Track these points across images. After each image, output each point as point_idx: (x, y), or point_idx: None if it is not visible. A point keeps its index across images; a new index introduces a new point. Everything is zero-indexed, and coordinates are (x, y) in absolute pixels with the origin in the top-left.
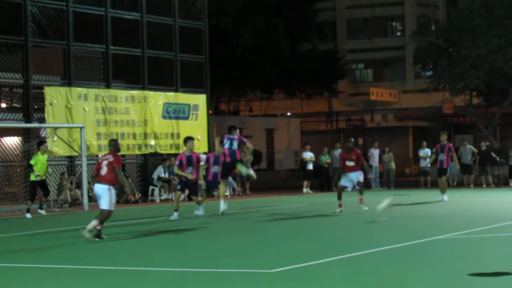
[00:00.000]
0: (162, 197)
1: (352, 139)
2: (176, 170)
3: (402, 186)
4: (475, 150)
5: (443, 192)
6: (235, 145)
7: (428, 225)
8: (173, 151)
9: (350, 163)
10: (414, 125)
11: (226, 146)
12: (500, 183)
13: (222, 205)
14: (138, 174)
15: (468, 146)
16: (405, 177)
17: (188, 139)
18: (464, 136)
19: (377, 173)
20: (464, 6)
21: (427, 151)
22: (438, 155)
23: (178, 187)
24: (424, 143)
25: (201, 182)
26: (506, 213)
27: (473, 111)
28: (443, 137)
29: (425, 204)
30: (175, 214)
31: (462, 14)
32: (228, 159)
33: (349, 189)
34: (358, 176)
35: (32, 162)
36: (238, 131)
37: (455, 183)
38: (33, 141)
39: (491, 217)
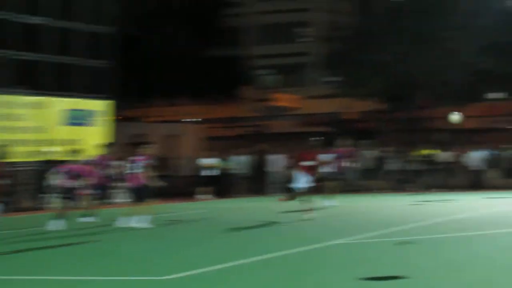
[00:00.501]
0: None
1: (315, 139)
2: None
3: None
4: (377, 155)
5: (332, 197)
6: (139, 167)
7: (326, 230)
8: (72, 158)
9: (308, 163)
10: (316, 130)
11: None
12: (402, 188)
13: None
14: (35, 181)
15: (370, 151)
16: None
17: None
18: (367, 141)
19: (278, 178)
20: (371, 13)
21: (330, 156)
22: (338, 160)
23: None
24: (326, 148)
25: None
26: (400, 218)
27: (376, 117)
28: (342, 142)
29: (325, 209)
30: (57, 223)
31: (369, 21)
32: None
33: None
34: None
35: None
36: (147, 146)
37: (353, 188)
38: None
39: (386, 222)
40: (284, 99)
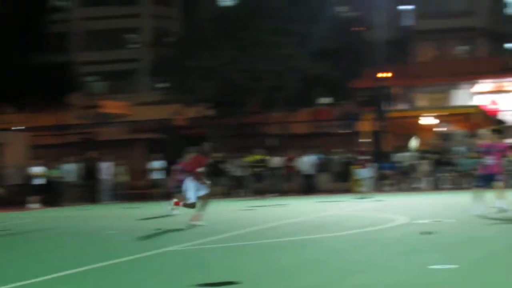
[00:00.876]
0: None
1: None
2: None
3: (134, 199)
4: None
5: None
6: None
7: (160, 237)
8: None
9: (202, 170)
10: (146, 137)
11: None
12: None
13: None
14: None
15: None
16: (137, 190)
17: None
18: (198, 148)
19: (108, 186)
20: (199, 18)
21: (160, 163)
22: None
23: None
24: (156, 155)
25: None
26: (234, 223)
27: (206, 123)
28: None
29: (156, 217)
30: None
31: (197, 27)
32: None
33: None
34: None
35: None
36: None
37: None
38: None
39: (220, 228)
40: (113, 106)
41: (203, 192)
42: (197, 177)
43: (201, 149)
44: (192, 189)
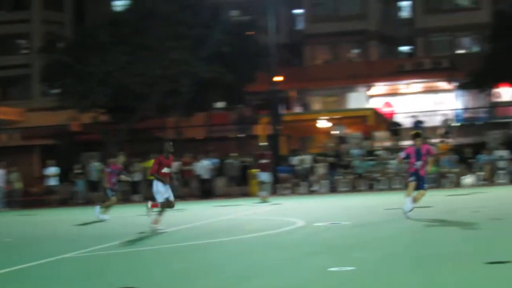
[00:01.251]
0: None
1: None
2: None
3: (30, 206)
4: (103, 167)
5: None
6: None
7: (56, 244)
8: None
9: (167, 170)
10: (41, 143)
11: None
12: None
13: None
14: None
15: (95, 163)
16: (32, 196)
17: None
18: (92, 154)
19: (1, 193)
20: (91, 23)
21: (55, 169)
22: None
23: None
24: (51, 161)
25: None
26: (132, 228)
27: (100, 128)
28: (114, 159)
29: (53, 223)
30: None
31: (89, 32)
32: None
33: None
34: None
35: None
36: None
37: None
38: None
39: (115, 233)
40: (5, 112)
41: (169, 194)
42: (163, 178)
43: (162, 149)
44: (160, 191)
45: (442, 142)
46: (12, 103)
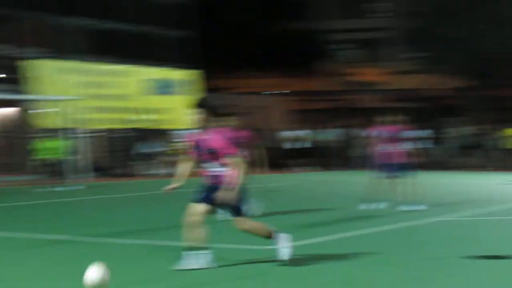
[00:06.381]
0: (146, 172)
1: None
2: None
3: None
4: (467, 133)
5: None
6: None
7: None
8: (156, 127)
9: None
10: (403, 106)
11: None
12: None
13: None
14: (121, 148)
15: (457, 128)
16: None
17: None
18: (454, 119)
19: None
20: None
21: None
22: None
23: None
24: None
25: None
26: (500, 197)
27: (461, 94)
28: (392, 118)
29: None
30: None
31: None
32: None
33: None
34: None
35: None
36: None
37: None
38: None
39: (482, 200)
40: (369, 74)
41: None
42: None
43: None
44: None
45: None
46: (370, 65)
